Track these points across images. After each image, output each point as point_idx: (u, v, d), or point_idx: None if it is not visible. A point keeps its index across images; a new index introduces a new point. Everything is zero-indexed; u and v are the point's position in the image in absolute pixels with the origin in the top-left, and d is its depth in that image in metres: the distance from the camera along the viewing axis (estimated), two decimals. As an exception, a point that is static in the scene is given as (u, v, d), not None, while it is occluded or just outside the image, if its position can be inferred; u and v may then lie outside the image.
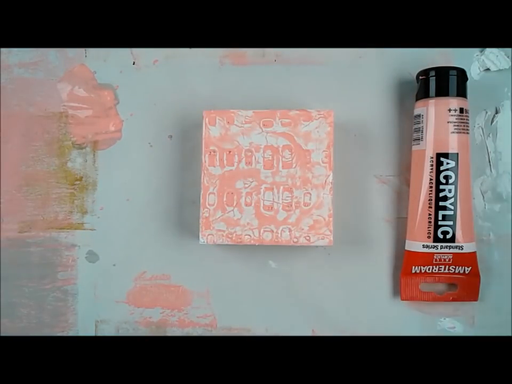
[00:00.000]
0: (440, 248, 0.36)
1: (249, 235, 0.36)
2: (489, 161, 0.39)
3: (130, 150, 0.41)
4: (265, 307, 0.40)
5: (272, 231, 0.36)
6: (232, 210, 0.36)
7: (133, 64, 0.41)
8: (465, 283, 0.37)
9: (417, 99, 0.37)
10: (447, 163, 0.35)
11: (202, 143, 0.37)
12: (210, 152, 0.37)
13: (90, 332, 0.41)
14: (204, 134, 0.37)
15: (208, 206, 0.36)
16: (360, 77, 0.39)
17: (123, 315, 0.41)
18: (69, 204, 0.41)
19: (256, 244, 0.36)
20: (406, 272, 0.37)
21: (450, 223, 0.35)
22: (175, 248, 0.40)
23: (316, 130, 0.36)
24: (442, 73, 0.36)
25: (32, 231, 0.42)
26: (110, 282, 0.41)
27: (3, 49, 0.42)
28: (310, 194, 0.36)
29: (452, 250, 0.36)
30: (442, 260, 0.36)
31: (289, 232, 0.36)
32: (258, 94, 0.40)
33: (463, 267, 0.36)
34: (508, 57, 0.38)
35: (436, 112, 0.36)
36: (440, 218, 0.35)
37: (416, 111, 0.37)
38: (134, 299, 0.41)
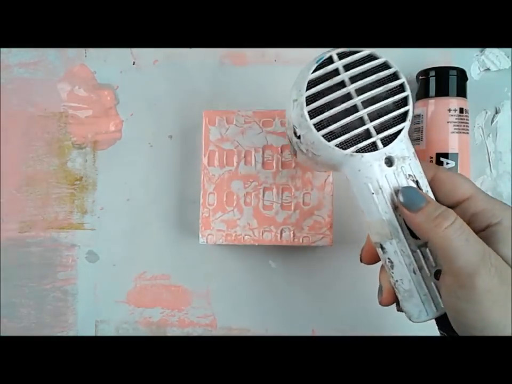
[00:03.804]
0: (440, 248, 0.36)
1: (249, 235, 0.36)
2: (489, 161, 0.39)
3: (130, 150, 0.41)
4: (265, 307, 0.40)
5: (272, 231, 0.36)
6: (232, 210, 0.36)
7: (133, 64, 0.41)
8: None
9: (417, 99, 0.37)
10: (447, 163, 0.35)
11: (202, 143, 0.37)
12: (210, 152, 0.37)
13: (90, 332, 0.41)
14: (203, 134, 0.37)
15: (208, 206, 0.36)
16: (360, 77, 0.39)
17: (123, 315, 0.41)
18: (69, 204, 0.41)
19: (256, 244, 0.36)
20: (406, 272, 0.37)
21: (450, 223, 0.35)
22: (175, 248, 0.40)
23: (316, 130, 0.36)
24: (442, 73, 0.36)
25: (32, 231, 0.42)
26: (110, 282, 0.41)
27: (3, 49, 0.42)
28: (310, 194, 0.36)
29: (451, 250, 0.36)
30: (442, 260, 0.36)
31: (289, 232, 0.36)
32: (258, 94, 0.40)
33: (463, 267, 0.36)
34: (508, 57, 0.38)
35: (436, 112, 0.36)
36: (440, 218, 0.35)
37: (416, 111, 0.37)
38: (134, 299, 0.41)
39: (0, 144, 0.42)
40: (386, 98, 0.26)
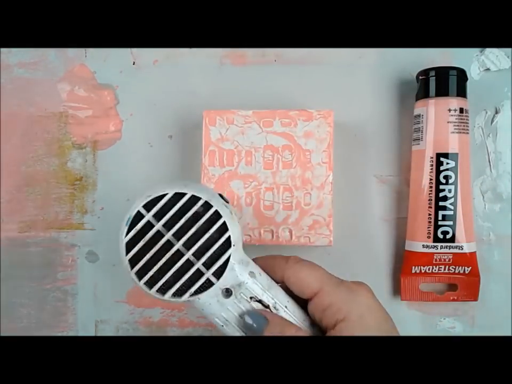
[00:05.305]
0: (440, 248, 0.36)
1: (249, 235, 0.36)
2: (489, 161, 0.39)
3: (130, 150, 0.41)
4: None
5: (272, 231, 0.36)
6: (232, 210, 0.36)
7: (133, 64, 0.41)
8: (465, 283, 0.37)
9: (417, 99, 0.37)
10: (447, 163, 0.35)
11: (202, 143, 0.37)
12: (210, 152, 0.37)
13: (90, 332, 0.41)
14: (203, 134, 0.37)
15: (208, 206, 0.36)
16: (360, 77, 0.39)
17: (123, 315, 0.41)
18: (69, 204, 0.41)
19: (256, 244, 0.36)
20: (406, 272, 0.37)
21: (450, 223, 0.35)
22: (175, 248, 0.40)
23: (316, 130, 0.36)
24: (442, 73, 0.36)
25: (32, 231, 0.42)
26: (110, 282, 0.41)
27: (3, 49, 0.42)
28: (310, 194, 0.36)
29: (451, 250, 0.36)
30: (442, 260, 0.36)
31: (289, 232, 0.36)
32: (258, 94, 0.40)
33: (463, 267, 0.36)
34: (508, 57, 0.38)
35: (436, 112, 0.36)
36: (440, 218, 0.35)
37: (416, 111, 0.37)
38: (134, 299, 0.41)
39: (0, 144, 0.42)
40: (207, 230, 0.25)
